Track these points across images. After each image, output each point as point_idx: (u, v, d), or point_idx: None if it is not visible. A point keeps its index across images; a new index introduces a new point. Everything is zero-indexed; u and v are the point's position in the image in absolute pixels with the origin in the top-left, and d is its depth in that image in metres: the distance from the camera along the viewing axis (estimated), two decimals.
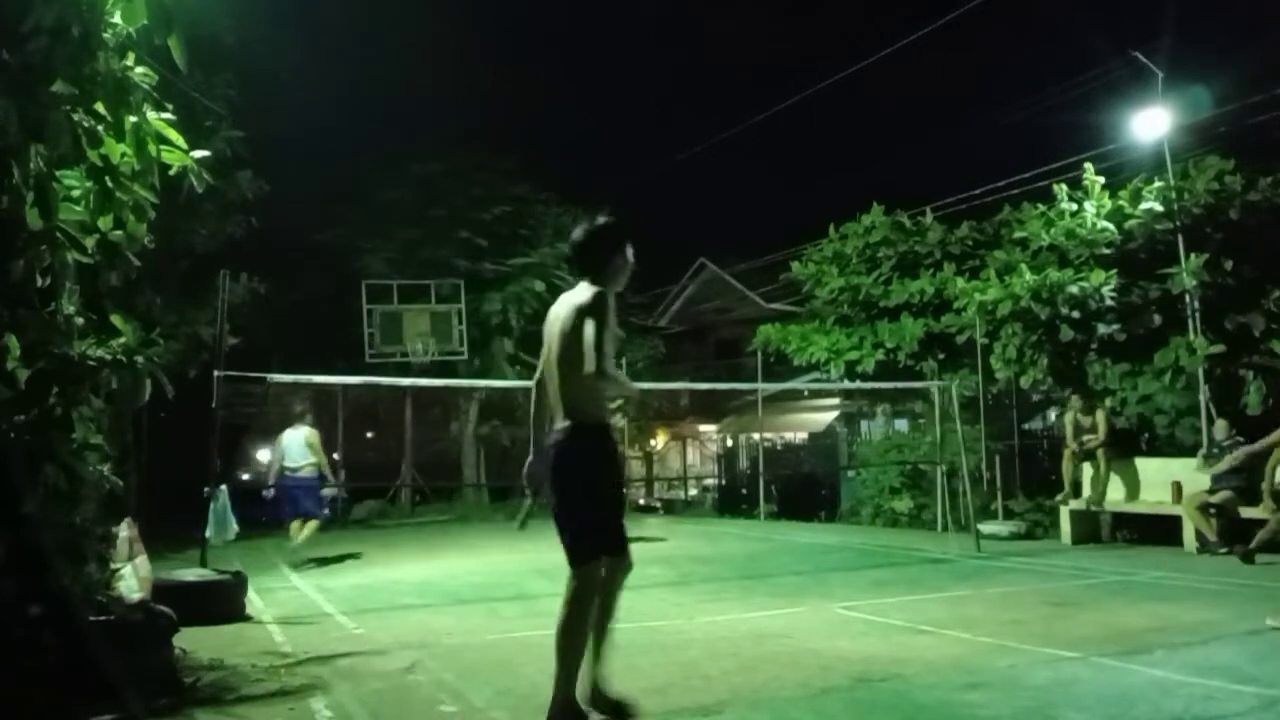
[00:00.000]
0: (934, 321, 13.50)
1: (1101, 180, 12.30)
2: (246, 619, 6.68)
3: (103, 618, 4.40)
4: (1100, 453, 11.01)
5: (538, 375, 4.09)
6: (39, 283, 4.18)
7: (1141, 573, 8.36)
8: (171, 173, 4.74)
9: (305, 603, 7.71)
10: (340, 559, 10.57)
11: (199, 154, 4.89)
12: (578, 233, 4.01)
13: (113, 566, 5.54)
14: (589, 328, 3.68)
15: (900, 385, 13.90)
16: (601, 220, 4.05)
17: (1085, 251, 11.94)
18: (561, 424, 3.89)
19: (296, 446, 10.41)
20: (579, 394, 3.81)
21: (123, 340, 4.54)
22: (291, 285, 17.55)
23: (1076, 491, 11.26)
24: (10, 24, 3.83)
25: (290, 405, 24.90)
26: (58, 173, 4.22)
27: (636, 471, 23.97)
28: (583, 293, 3.82)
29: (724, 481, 20.53)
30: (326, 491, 20.02)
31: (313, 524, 10.29)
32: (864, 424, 17.68)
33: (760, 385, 17.49)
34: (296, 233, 17.94)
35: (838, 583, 8.21)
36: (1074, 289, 11.49)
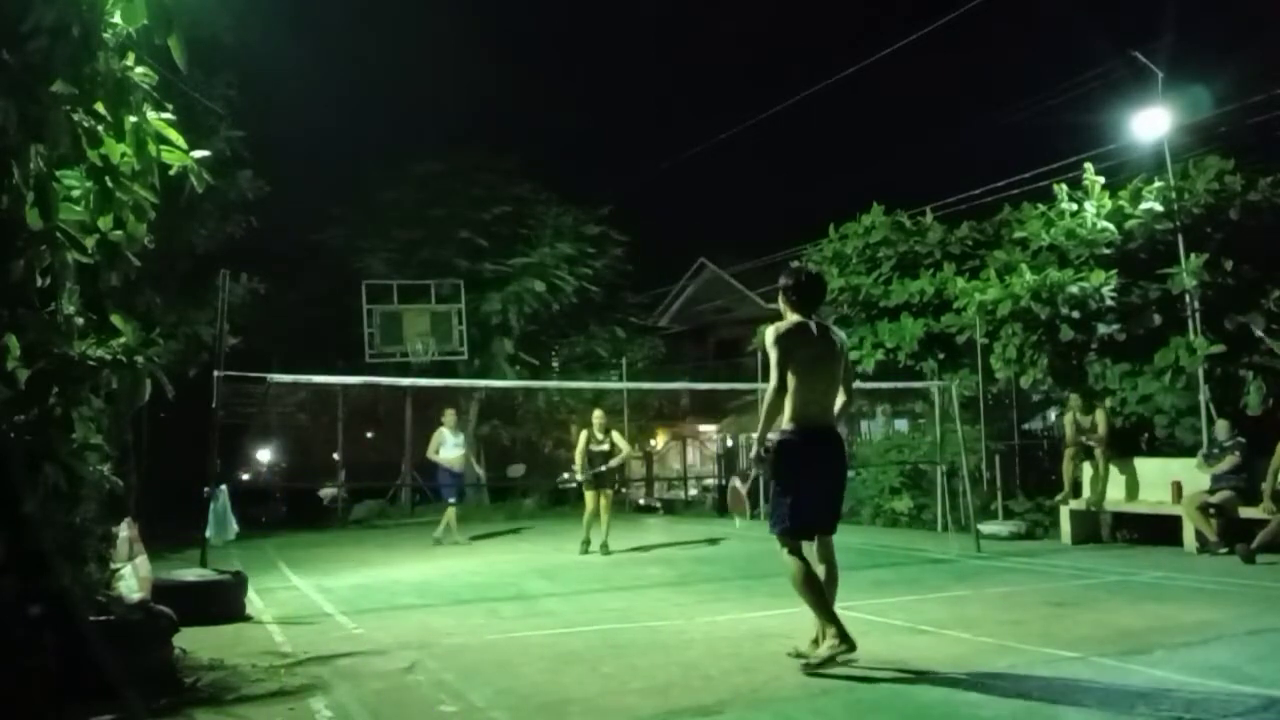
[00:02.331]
0: (934, 321, 13.49)
1: (1101, 180, 12.30)
2: (246, 619, 6.68)
3: (103, 618, 4.41)
4: (1100, 453, 11.01)
5: (778, 383, 4.76)
6: (39, 283, 4.18)
7: (1141, 573, 8.36)
8: (171, 173, 4.74)
9: (305, 603, 7.71)
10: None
11: (199, 154, 4.89)
12: (816, 274, 5.18)
13: (113, 566, 5.54)
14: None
15: (900, 385, 13.89)
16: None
17: (1085, 251, 11.94)
18: (825, 426, 4.86)
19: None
20: (840, 409, 4.98)
21: (123, 340, 4.55)
22: (291, 285, 17.55)
23: (1076, 491, 11.26)
24: (10, 24, 3.83)
25: (289, 405, 24.95)
26: (58, 173, 4.22)
27: (637, 471, 23.97)
28: (839, 332, 5.04)
29: (724, 481, 20.48)
30: (326, 491, 20.12)
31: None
32: (864, 424, 17.68)
33: (760, 385, 17.44)
34: (296, 233, 17.96)
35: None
36: (1074, 289, 11.48)
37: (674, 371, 24.73)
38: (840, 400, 4.98)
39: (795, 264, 5.36)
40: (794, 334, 4.84)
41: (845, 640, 4.63)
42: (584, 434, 11.09)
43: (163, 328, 8.94)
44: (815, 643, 4.83)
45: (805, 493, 4.78)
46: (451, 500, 12.52)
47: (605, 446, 10.97)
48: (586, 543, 10.83)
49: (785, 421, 4.78)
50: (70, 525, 4.52)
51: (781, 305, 5.03)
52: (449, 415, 12.79)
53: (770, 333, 4.84)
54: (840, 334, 5.08)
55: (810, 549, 4.85)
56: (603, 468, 10.91)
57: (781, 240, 21.19)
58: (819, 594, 4.74)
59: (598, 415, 11.26)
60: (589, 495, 11.03)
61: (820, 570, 4.84)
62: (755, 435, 4.92)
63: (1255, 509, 9.18)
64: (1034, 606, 6.76)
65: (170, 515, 10.54)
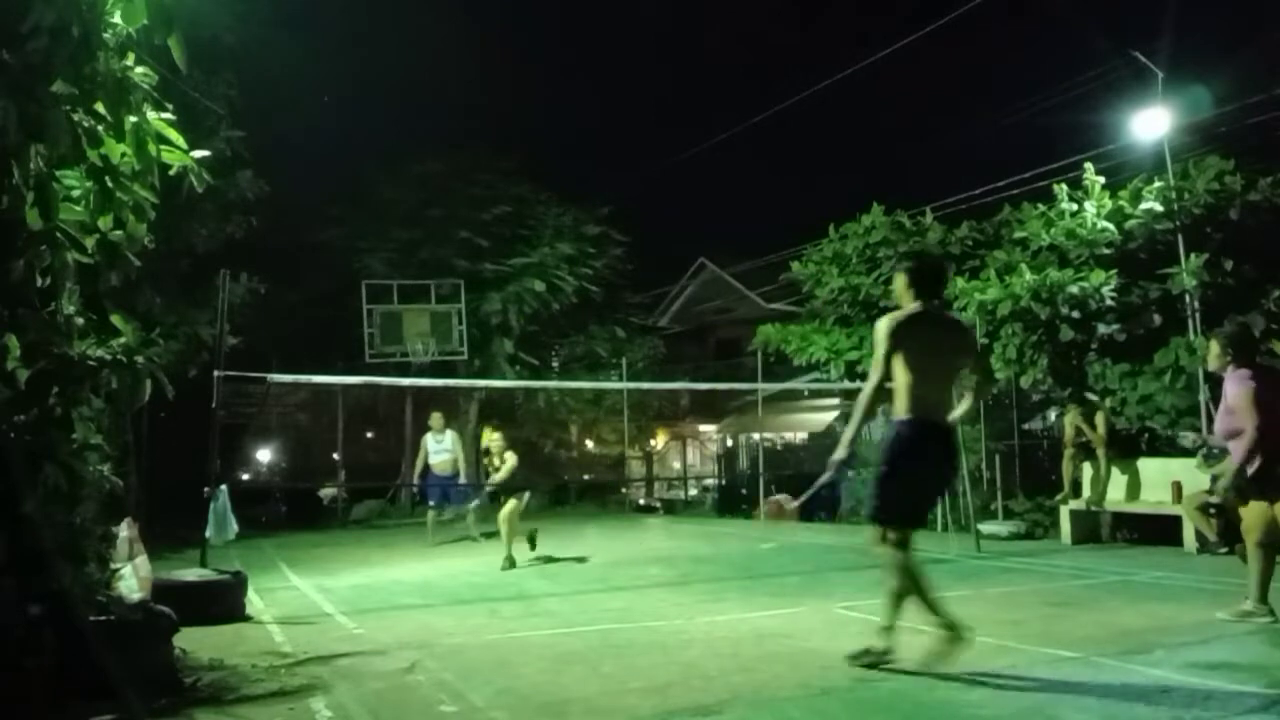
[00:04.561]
0: None
1: (1101, 180, 12.30)
2: (246, 619, 6.67)
3: (103, 618, 4.40)
4: (1100, 453, 11.01)
5: (879, 378, 4.61)
6: (39, 283, 4.17)
7: (1141, 573, 8.35)
8: (171, 173, 4.74)
9: (305, 603, 7.71)
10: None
11: (199, 154, 4.90)
12: (937, 260, 5.05)
13: (113, 566, 5.54)
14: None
15: None
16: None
17: (1085, 251, 11.94)
18: (939, 421, 4.67)
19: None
20: (976, 393, 4.96)
21: (123, 340, 4.54)
22: (291, 285, 17.52)
23: (1076, 491, 11.25)
24: (10, 24, 3.83)
25: (289, 405, 24.94)
26: (58, 173, 4.22)
27: (637, 471, 23.98)
28: (965, 323, 4.83)
29: (724, 481, 20.51)
30: (326, 491, 20.11)
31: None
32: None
33: (760, 385, 17.48)
34: (296, 233, 17.91)
35: (838, 583, 8.21)
36: (1074, 289, 11.48)
37: (674, 371, 24.73)
38: (969, 395, 4.87)
39: (915, 251, 5.29)
40: (911, 323, 4.64)
41: (886, 645, 4.68)
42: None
43: (163, 328, 8.93)
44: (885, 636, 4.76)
45: (906, 486, 4.64)
46: (432, 504, 12.45)
47: (507, 467, 9.96)
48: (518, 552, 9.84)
49: (900, 412, 4.60)
50: (70, 525, 4.52)
51: (900, 292, 4.85)
52: (434, 419, 12.54)
53: (884, 322, 4.65)
54: (965, 324, 4.93)
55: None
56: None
57: (781, 240, 21.19)
58: (905, 587, 4.65)
59: (494, 439, 10.14)
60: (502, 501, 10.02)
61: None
62: (846, 434, 4.75)
63: None
64: (1034, 606, 6.76)
65: (170, 515, 10.54)
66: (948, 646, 4.54)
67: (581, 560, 10.23)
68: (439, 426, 12.51)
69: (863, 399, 4.68)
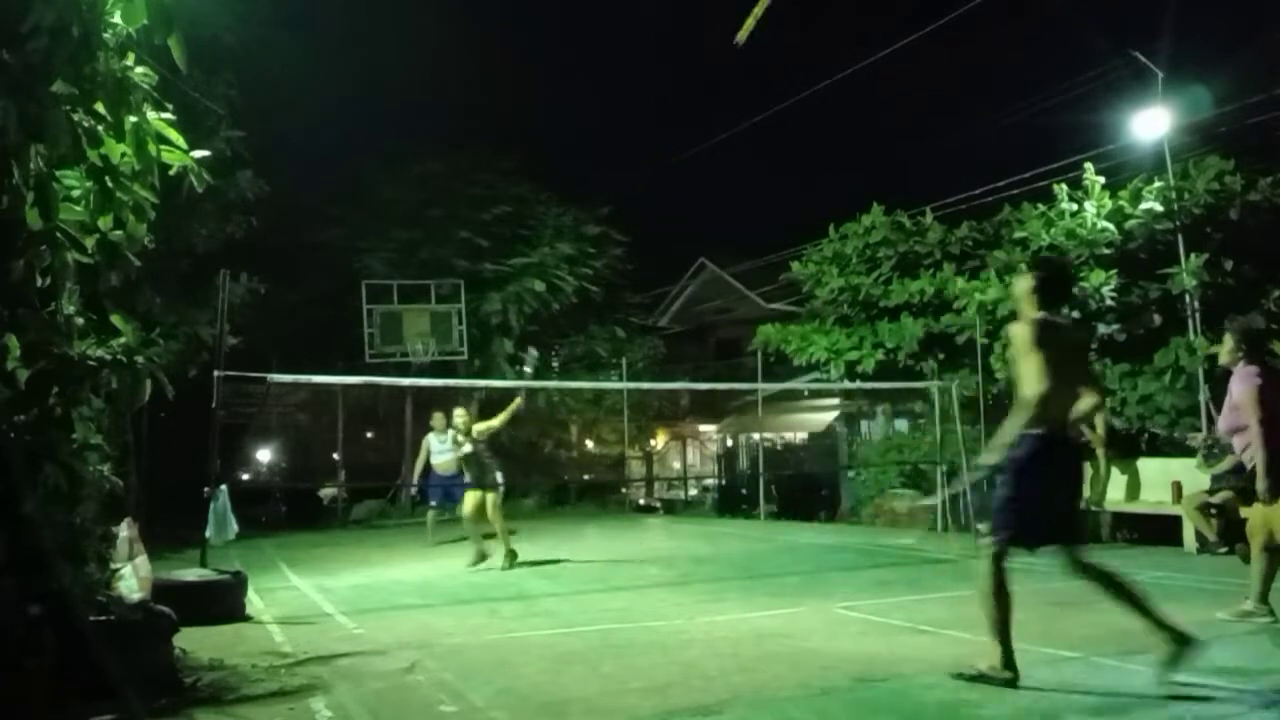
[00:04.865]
0: (934, 321, 13.49)
1: (1101, 180, 12.30)
2: (246, 619, 6.68)
3: (103, 618, 4.40)
4: (1100, 453, 11.00)
5: (1044, 387, 4.33)
6: (39, 283, 4.18)
7: (1141, 573, 8.29)
8: (171, 173, 4.74)
9: (305, 603, 7.71)
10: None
11: (199, 154, 4.89)
12: (1064, 264, 4.87)
13: (113, 566, 5.54)
14: None
15: (900, 385, 13.89)
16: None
17: (1085, 252, 11.94)
18: (1065, 430, 4.52)
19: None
20: (1089, 409, 4.68)
21: (123, 340, 4.54)
22: (291, 285, 17.54)
23: None
24: (10, 24, 3.83)
25: (289, 405, 24.91)
26: (58, 173, 4.22)
27: (637, 471, 23.97)
28: (1091, 326, 4.62)
29: (724, 481, 20.51)
30: (326, 491, 20.07)
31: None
32: (864, 424, 17.68)
33: (760, 385, 17.48)
34: (296, 233, 17.94)
35: (838, 583, 8.20)
36: (1074, 289, 11.48)
37: (674, 371, 24.73)
38: (1090, 400, 4.60)
39: (1043, 256, 5.00)
40: (1048, 329, 4.43)
41: (1009, 670, 4.33)
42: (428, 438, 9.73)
43: (163, 328, 8.93)
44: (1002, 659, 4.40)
45: (1036, 502, 4.44)
46: (433, 504, 12.34)
47: (468, 449, 9.56)
48: (481, 555, 9.39)
49: (1031, 425, 4.36)
50: (70, 525, 4.52)
51: (1023, 297, 4.61)
52: (437, 418, 12.35)
53: (1025, 330, 4.43)
54: (1092, 327, 4.79)
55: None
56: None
57: (781, 240, 21.18)
58: (1003, 611, 4.42)
59: (459, 415, 9.74)
60: (470, 497, 9.55)
61: (1090, 583, 4.64)
62: (998, 439, 4.52)
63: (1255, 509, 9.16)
64: (1034, 606, 6.73)
65: (170, 515, 10.53)
66: (985, 672, 4.38)
67: (581, 560, 10.23)
68: (441, 426, 12.47)
69: (1030, 409, 4.35)
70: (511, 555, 9.42)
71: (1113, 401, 11.55)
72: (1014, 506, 4.46)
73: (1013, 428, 4.41)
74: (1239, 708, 4.01)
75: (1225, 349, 6.00)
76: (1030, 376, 4.34)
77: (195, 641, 5.34)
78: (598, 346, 21.42)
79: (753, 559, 10.35)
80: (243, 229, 12.88)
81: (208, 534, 7.56)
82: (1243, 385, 5.75)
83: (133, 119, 4.29)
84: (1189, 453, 10.57)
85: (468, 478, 9.92)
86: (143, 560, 6.04)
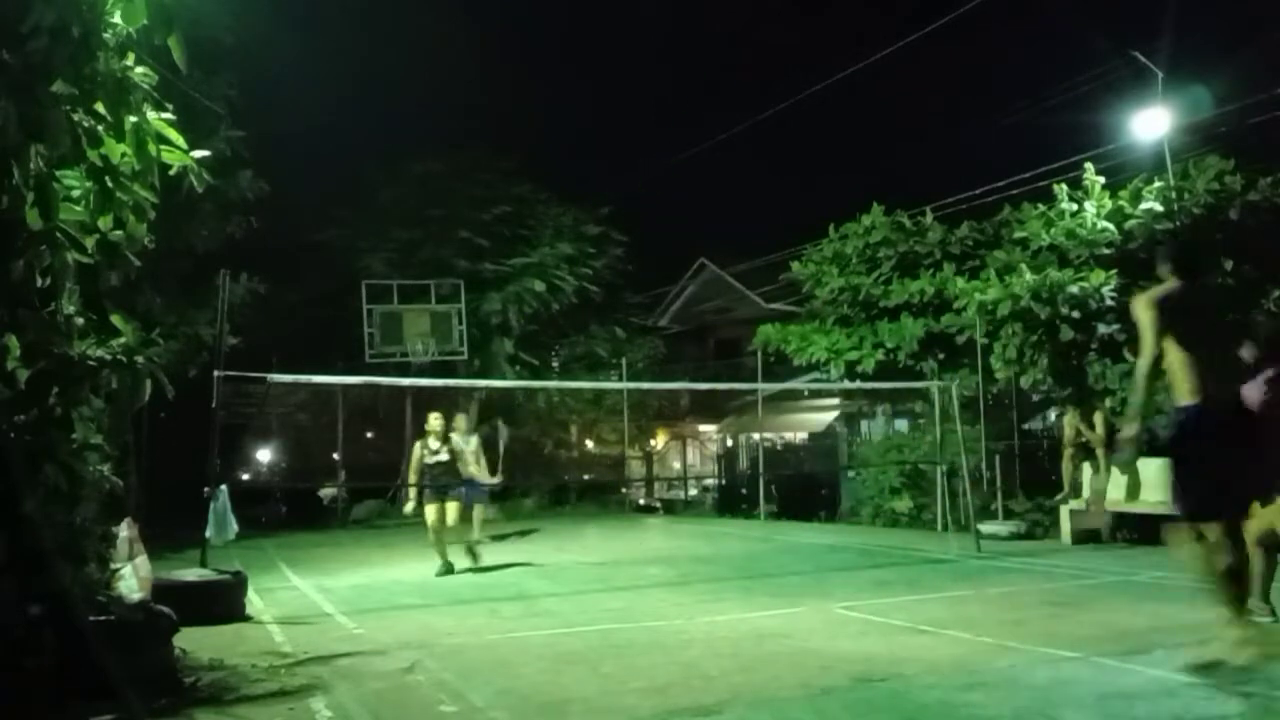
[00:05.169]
0: (934, 321, 13.49)
1: (1101, 180, 12.31)
2: (246, 619, 6.68)
3: (103, 618, 4.40)
4: (1100, 453, 11.00)
5: (1152, 354, 4.38)
6: (39, 283, 4.18)
7: (1141, 573, 8.35)
8: (171, 173, 4.74)
9: (305, 603, 7.71)
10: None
11: (199, 154, 4.89)
12: (1192, 241, 4.81)
13: (113, 566, 5.55)
14: None
15: (900, 385, 13.90)
16: None
17: (1085, 251, 11.95)
18: (1227, 398, 4.43)
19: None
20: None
21: (123, 340, 4.54)
22: (291, 285, 17.54)
23: (1076, 491, 11.25)
24: (10, 24, 3.83)
25: (289, 405, 24.89)
26: (58, 173, 4.21)
27: (637, 471, 23.97)
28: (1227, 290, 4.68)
29: (724, 481, 20.50)
30: (326, 491, 20.06)
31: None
32: (864, 424, 17.68)
33: (760, 385, 17.49)
34: (296, 233, 17.93)
35: (838, 583, 8.20)
36: (1074, 289, 11.49)
37: (674, 371, 24.73)
38: (1247, 352, 4.68)
39: (1170, 233, 5.31)
40: (1173, 299, 4.42)
41: (1245, 646, 4.21)
42: (418, 445, 9.59)
43: (163, 328, 8.93)
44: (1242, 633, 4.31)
45: (1205, 474, 4.35)
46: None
47: (444, 456, 9.51)
48: (447, 565, 9.19)
49: (1180, 397, 4.35)
50: (70, 525, 4.52)
51: (1164, 277, 4.67)
52: (432, 420, 12.09)
53: (1143, 298, 4.47)
54: (1218, 289, 4.79)
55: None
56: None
57: (781, 240, 21.17)
58: (1228, 584, 4.27)
59: (434, 420, 9.72)
60: (431, 508, 9.33)
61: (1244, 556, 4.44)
62: (1129, 410, 4.57)
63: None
64: (1034, 606, 6.76)
65: (170, 515, 10.53)
66: (1219, 657, 4.34)
67: (581, 561, 10.24)
68: (438, 429, 12.39)
69: (1137, 379, 4.50)
70: (449, 566, 9.17)
71: (1113, 401, 11.56)
72: (1182, 484, 4.43)
73: (1136, 402, 4.50)
74: (1238, 708, 4.01)
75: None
76: (1167, 349, 4.37)
77: (195, 641, 5.34)
78: (598, 346, 21.42)
79: (753, 559, 10.36)
80: (242, 229, 12.88)
81: (208, 534, 7.56)
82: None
83: (133, 119, 4.29)
84: None
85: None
86: (143, 560, 6.04)
